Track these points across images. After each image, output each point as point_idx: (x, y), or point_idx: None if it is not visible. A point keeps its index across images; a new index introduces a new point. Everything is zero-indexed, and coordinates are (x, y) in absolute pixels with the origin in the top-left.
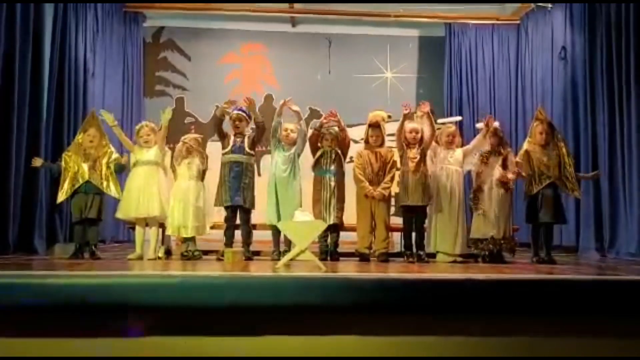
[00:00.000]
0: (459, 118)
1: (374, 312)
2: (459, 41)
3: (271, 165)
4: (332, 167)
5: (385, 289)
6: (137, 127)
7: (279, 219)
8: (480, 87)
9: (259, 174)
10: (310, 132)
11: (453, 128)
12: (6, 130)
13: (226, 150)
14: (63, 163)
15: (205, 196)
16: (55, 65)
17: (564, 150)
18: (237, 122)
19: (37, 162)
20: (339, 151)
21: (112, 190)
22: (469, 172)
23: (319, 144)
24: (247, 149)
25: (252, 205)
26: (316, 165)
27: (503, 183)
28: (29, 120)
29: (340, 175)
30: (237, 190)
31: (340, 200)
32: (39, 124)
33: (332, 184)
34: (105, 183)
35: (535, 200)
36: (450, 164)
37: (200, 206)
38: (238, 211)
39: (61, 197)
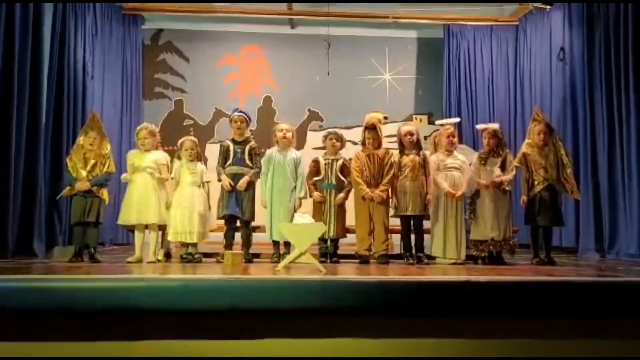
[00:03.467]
0: (457, 120)
1: (374, 315)
2: (458, 42)
3: (269, 176)
4: (334, 181)
5: (385, 291)
6: (137, 129)
7: (274, 234)
8: (479, 88)
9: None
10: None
11: (452, 129)
12: (5, 133)
13: (227, 162)
14: (68, 165)
15: (207, 202)
16: (54, 67)
17: (562, 151)
18: (239, 124)
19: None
20: (342, 159)
21: (105, 196)
22: None
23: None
24: (247, 160)
25: (252, 217)
26: (317, 175)
27: (497, 185)
28: (28, 123)
29: (341, 188)
30: (237, 202)
31: (341, 214)
32: (38, 127)
33: (334, 198)
34: (98, 188)
35: (534, 202)
36: (452, 168)
37: (203, 212)
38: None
39: (60, 195)
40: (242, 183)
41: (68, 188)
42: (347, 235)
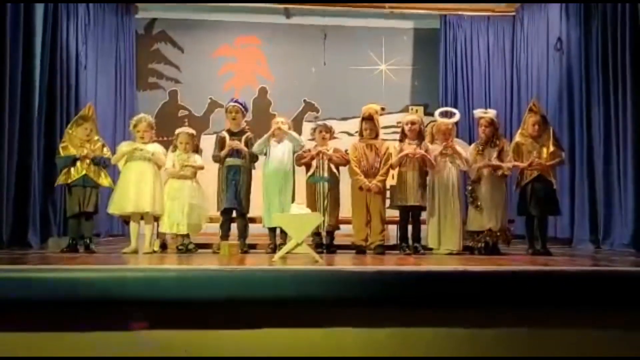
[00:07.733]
0: (456, 119)
1: (371, 305)
2: (454, 33)
3: (264, 165)
4: (326, 174)
5: (382, 281)
6: (135, 120)
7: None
8: (475, 79)
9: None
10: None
11: (451, 126)
12: None
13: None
14: (61, 152)
15: (201, 194)
16: (46, 57)
17: (551, 139)
18: (233, 114)
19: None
20: (334, 153)
21: (106, 182)
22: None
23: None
24: (243, 152)
25: (247, 210)
26: (309, 171)
27: (496, 169)
28: (21, 114)
29: (334, 181)
30: (235, 194)
31: (335, 207)
32: (31, 118)
33: (326, 191)
34: (98, 175)
35: (525, 193)
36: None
37: (195, 204)
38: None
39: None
40: (237, 144)
41: (64, 173)
42: (341, 226)
